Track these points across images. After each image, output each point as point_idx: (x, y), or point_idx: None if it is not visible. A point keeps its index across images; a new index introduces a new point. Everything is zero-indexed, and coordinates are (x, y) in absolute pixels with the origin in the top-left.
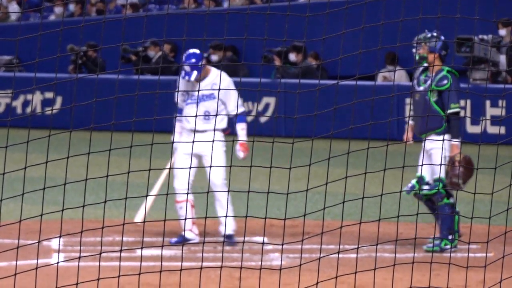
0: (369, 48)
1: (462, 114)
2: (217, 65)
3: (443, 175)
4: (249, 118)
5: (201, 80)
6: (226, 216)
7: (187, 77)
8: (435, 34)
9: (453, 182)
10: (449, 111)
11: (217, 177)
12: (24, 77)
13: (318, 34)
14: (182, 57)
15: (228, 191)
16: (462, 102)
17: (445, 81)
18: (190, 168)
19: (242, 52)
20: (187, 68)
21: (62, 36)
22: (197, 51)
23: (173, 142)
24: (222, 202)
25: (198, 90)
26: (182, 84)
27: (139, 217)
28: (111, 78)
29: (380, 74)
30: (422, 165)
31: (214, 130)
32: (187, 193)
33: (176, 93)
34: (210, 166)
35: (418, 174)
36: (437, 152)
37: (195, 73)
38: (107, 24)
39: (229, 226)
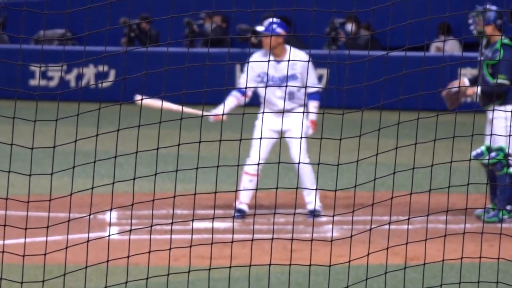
0: (421, 18)
1: (506, 83)
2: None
3: (504, 144)
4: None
5: (280, 60)
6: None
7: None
8: (487, 6)
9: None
10: (497, 80)
11: (298, 154)
12: (78, 51)
13: (369, 4)
14: (233, 28)
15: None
16: None
17: (496, 54)
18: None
19: (292, 23)
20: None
21: (116, 9)
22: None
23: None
24: (305, 180)
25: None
26: (258, 64)
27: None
28: (170, 51)
29: (433, 45)
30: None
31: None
32: (258, 164)
33: (246, 72)
34: (280, 138)
35: (487, 143)
36: (498, 122)
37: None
38: None
39: (316, 202)
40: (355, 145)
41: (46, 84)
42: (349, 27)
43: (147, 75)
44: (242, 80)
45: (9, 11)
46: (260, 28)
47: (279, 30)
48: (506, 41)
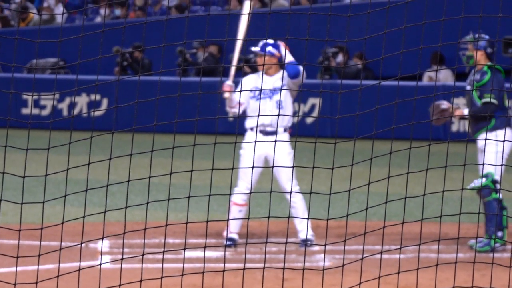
0: (414, 48)
1: (495, 102)
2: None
3: (492, 170)
4: (295, 119)
5: (271, 75)
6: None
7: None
8: (481, 34)
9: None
10: (483, 100)
11: (288, 184)
12: (70, 79)
13: (363, 34)
14: (226, 57)
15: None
16: (507, 102)
17: (484, 76)
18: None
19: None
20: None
21: (110, 38)
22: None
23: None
24: (297, 209)
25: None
26: (251, 80)
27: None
28: (162, 80)
29: (426, 74)
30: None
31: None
32: (250, 192)
33: (239, 87)
34: (272, 166)
35: (481, 173)
36: (488, 147)
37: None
38: (154, 26)
39: (308, 231)
40: (347, 174)
41: (39, 112)
42: (340, 57)
43: (139, 104)
44: (236, 94)
45: (1, 40)
46: (255, 49)
47: (274, 51)
48: (491, 65)
